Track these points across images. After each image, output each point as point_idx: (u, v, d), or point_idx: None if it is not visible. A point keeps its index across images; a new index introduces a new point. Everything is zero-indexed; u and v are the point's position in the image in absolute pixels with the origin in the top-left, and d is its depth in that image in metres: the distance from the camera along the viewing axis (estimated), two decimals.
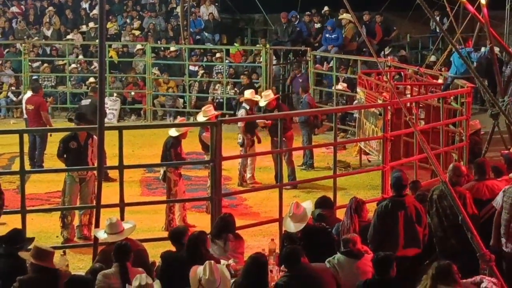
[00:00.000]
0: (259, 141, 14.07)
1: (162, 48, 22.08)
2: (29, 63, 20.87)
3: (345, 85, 18.70)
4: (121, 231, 7.94)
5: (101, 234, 8.08)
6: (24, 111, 15.09)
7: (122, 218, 8.92)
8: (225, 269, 7.00)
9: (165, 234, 10.63)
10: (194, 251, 7.41)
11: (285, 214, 8.47)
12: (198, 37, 23.59)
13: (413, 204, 8.18)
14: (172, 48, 21.63)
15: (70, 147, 11.09)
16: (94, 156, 11.02)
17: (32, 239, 8.03)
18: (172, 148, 11.47)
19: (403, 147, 13.44)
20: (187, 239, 7.62)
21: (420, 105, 13.37)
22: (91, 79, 19.26)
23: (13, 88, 20.87)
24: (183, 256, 7.48)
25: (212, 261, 6.83)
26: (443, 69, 17.60)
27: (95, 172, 9.95)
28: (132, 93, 20.58)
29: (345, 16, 20.62)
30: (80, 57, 21.80)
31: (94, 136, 10.80)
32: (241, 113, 14.48)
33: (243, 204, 12.93)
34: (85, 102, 15.15)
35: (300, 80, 19.22)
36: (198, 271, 6.73)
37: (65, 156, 11.18)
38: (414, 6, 18.93)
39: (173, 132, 11.57)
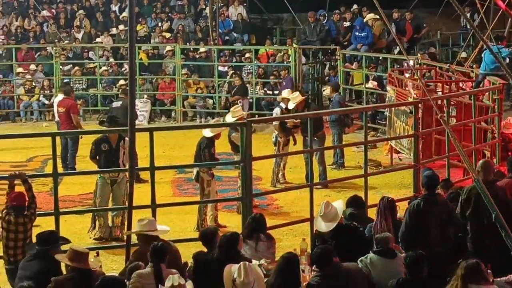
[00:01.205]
0: (295, 143, 14.01)
1: (191, 49, 22.15)
2: (60, 66, 21.07)
3: (375, 83, 18.61)
4: (154, 230, 8.01)
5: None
6: (56, 114, 15.22)
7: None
8: (259, 268, 7.00)
9: (197, 234, 10.65)
10: (226, 252, 7.41)
11: (316, 213, 8.45)
12: (227, 37, 23.62)
13: (445, 203, 8.12)
14: (201, 49, 21.70)
15: (101, 149, 11.20)
16: (126, 158, 11.09)
17: (66, 239, 8.11)
18: (206, 149, 11.49)
19: (434, 145, 13.36)
20: (219, 240, 7.63)
21: (452, 103, 13.26)
22: (122, 82, 19.40)
23: (45, 91, 21.06)
24: (214, 256, 7.49)
25: (247, 262, 6.83)
26: (474, 66, 17.44)
27: (127, 173, 10.03)
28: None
29: (369, 17, 20.54)
30: (111, 59, 21.96)
31: (126, 138, 10.88)
32: (276, 112, 14.49)
33: (274, 204, 12.92)
34: (116, 104, 15.24)
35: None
36: (233, 269, 6.74)
37: (97, 157, 11.29)
38: (444, 3, 18.83)
39: (208, 132, 11.58)
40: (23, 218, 8.31)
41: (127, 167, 10.83)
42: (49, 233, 7.80)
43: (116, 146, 11.21)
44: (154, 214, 9.09)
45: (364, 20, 20.69)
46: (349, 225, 8.09)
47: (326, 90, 17.33)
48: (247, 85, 20.54)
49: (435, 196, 8.13)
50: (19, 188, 8.79)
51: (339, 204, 8.20)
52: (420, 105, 11.39)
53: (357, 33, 20.50)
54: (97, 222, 11.14)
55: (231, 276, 6.69)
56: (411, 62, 16.42)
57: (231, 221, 11.42)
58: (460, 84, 15.57)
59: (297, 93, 14.64)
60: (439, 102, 12.64)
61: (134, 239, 8.53)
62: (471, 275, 6.31)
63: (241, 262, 6.75)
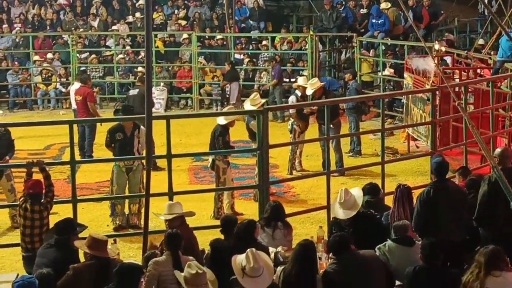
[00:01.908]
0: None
1: (207, 37, 22.13)
2: (77, 54, 21.13)
3: (392, 70, 18.52)
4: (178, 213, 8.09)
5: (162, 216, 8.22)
6: (73, 102, 15.27)
7: None
8: (266, 256, 6.99)
9: (213, 222, 10.71)
10: (243, 240, 7.41)
11: (333, 201, 8.42)
12: (243, 25, 23.58)
13: (457, 190, 8.05)
14: (217, 37, 21.68)
15: (116, 138, 11.23)
16: (140, 146, 11.15)
17: (83, 226, 8.15)
18: (220, 137, 11.50)
19: (452, 132, 13.29)
20: (236, 227, 7.65)
21: (469, 90, 13.18)
22: (140, 68, 19.42)
23: (62, 79, 21.14)
24: (233, 243, 7.50)
25: (254, 249, 6.81)
26: (492, 52, 17.31)
27: (143, 161, 10.06)
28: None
29: (384, 6, 20.43)
30: (128, 47, 21.98)
31: (142, 127, 10.93)
32: (291, 99, 14.48)
33: (291, 191, 12.92)
34: (133, 92, 15.27)
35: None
36: (238, 260, 6.73)
37: (112, 145, 11.33)
38: None
39: (221, 120, 11.60)
40: (39, 206, 8.36)
41: (142, 155, 10.96)
42: (67, 222, 7.83)
43: (131, 135, 11.24)
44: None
45: (380, 7, 20.58)
46: (366, 213, 8.07)
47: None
48: (263, 73, 20.54)
49: (445, 183, 8.05)
50: (37, 176, 8.84)
51: (358, 193, 8.15)
52: (437, 92, 11.33)
53: (373, 20, 20.40)
54: (115, 210, 11.19)
55: (239, 265, 6.68)
56: (436, 46, 16.33)
57: (248, 209, 11.43)
58: (478, 71, 15.47)
59: (316, 79, 14.61)
60: (457, 89, 12.57)
61: (151, 226, 8.57)
62: (494, 262, 6.29)
63: (248, 249, 6.74)
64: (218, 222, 9.99)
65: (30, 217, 8.31)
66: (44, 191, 8.48)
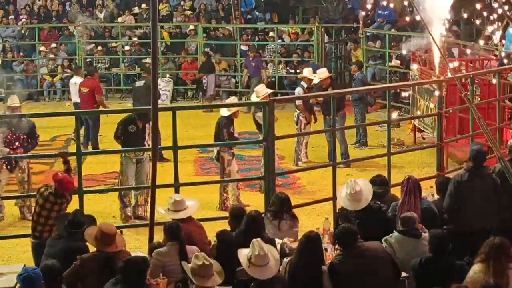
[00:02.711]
0: (315, 120, 14.05)
1: (212, 28, 22.11)
2: (83, 46, 21.13)
3: (398, 62, 18.48)
4: (185, 209, 8.04)
5: (163, 211, 8.17)
6: (74, 95, 15.14)
7: None
8: (272, 247, 7.01)
9: (219, 213, 10.73)
10: (252, 231, 7.41)
11: (338, 192, 8.40)
12: (249, 16, 23.54)
13: (491, 178, 8.07)
14: (227, 28, 21.68)
15: (128, 130, 11.20)
16: (150, 138, 11.15)
17: (93, 220, 8.14)
18: (224, 128, 11.51)
19: (458, 124, 13.26)
20: (244, 219, 7.64)
21: (476, 81, 13.14)
22: (148, 59, 19.42)
23: (67, 70, 21.13)
24: (239, 235, 7.51)
25: (259, 239, 6.83)
26: (498, 44, 17.24)
27: (149, 152, 10.07)
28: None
29: None
30: (134, 38, 21.97)
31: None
32: (298, 91, 14.47)
33: (297, 183, 12.93)
34: (139, 83, 15.27)
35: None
36: (244, 251, 6.75)
37: (121, 138, 11.32)
38: None
39: (225, 111, 11.62)
40: (62, 199, 8.37)
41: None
42: (78, 217, 7.80)
43: (143, 128, 11.25)
44: (177, 193, 9.12)
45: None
46: (373, 204, 8.06)
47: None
48: (270, 63, 20.52)
49: (481, 170, 8.10)
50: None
51: (368, 186, 8.09)
52: (444, 83, 11.29)
53: (380, 11, 20.35)
54: (125, 201, 11.21)
55: (245, 256, 6.70)
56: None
57: (254, 200, 11.44)
58: (485, 62, 15.42)
59: (324, 69, 14.59)
60: (463, 80, 12.53)
61: (157, 218, 8.58)
62: (498, 254, 6.29)
63: (253, 240, 6.76)
64: (224, 214, 10.09)
65: (49, 208, 8.28)
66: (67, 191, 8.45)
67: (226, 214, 10.60)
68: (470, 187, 7.99)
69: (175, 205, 8.11)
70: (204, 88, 19.48)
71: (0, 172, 11.17)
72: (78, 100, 15.04)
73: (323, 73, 13.93)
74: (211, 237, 8.01)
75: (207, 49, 20.78)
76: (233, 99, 13.99)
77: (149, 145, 11.03)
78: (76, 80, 15.28)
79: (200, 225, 8.30)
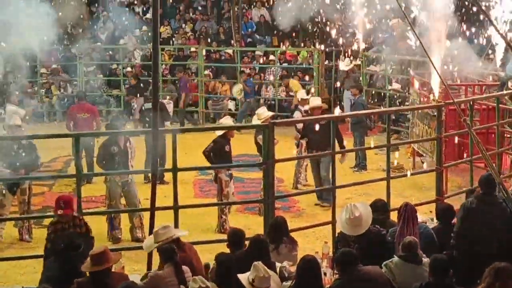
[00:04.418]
0: None
1: (212, 50, 22.19)
2: (84, 68, 21.19)
3: (398, 85, 18.53)
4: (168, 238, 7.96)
5: (149, 243, 8.07)
6: (71, 119, 14.78)
7: (176, 221, 9.03)
8: (273, 272, 7.00)
9: (218, 236, 10.71)
10: (256, 254, 7.39)
11: (338, 216, 8.39)
12: (249, 39, 23.65)
13: (501, 205, 8.05)
14: (227, 51, 21.79)
15: (111, 151, 11.22)
16: (132, 158, 11.21)
17: (88, 240, 8.12)
18: (218, 148, 11.67)
19: (457, 148, 13.28)
20: (252, 242, 7.61)
21: (475, 106, 13.17)
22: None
23: (64, 92, 21.13)
24: (240, 258, 7.48)
25: (260, 262, 6.83)
26: (498, 68, 17.30)
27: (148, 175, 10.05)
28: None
29: (394, 21, 20.44)
30: (136, 60, 22.05)
31: (130, 139, 11.18)
32: (296, 115, 14.49)
33: (296, 206, 12.92)
34: (148, 105, 15.18)
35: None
36: (245, 275, 6.74)
37: (103, 162, 11.29)
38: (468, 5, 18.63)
39: (218, 131, 11.72)
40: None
41: (133, 167, 11.01)
42: (74, 238, 7.79)
43: (124, 148, 11.27)
44: (176, 215, 9.13)
45: (390, 24, 20.59)
46: (373, 229, 8.03)
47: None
48: (270, 86, 20.58)
49: (489, 197, 8.07)
50: None
51: (367, 211, 8.05)
52: (443, 108, 11.33)
53: (380, 35, 20.42)
54: (114, 223, 11.21)
55: (247, 279, 6.68)
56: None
57: (253, 223, 11.43)
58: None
59: (318, 98, 14.34)
60: (462, 105, 12.56)
61: None
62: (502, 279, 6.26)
63: (254, 262, 6.74)
64: (223, 236, 10.07)
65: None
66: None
67: (225, 236, 10.63)
68: (478, 214, 7.95)
69: (158, 236, 7.90)
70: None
71: (4, 196, 11.17)
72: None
73: (315, 101, 13.73)
74: (210, 260, 7.99)
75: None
76: (227, 119, 13.93)
77: (132, 166, 11.16)
78: (14, 109, 14.87)
79: (191, 247, 8.22)
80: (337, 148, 11.53)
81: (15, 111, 14.31)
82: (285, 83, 20.08)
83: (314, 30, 23.91)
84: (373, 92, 19.98)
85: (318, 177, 12.91)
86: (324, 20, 22.16)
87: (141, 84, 19.88)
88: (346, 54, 21.07)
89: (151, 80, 18.19)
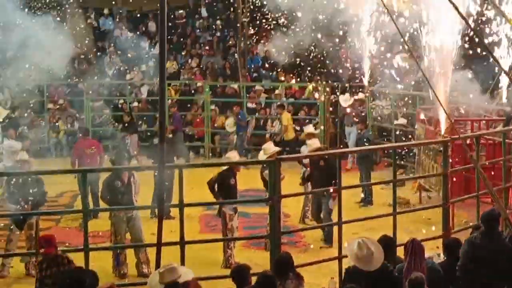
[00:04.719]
0: None
1: (218, 85, 22.32)
2: (91, 102, 21.31)
3: (405, 120, 18.58)
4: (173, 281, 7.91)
5: (154, 282, 8.00)
6: (77, 155, 14.84)
7: (183, 256, 9.02)
8: None
9: (224, 271, 10.67)
10: None
11: (347, 250, 8.21)
12: (255, 74, 23.78)
13: (503, 243, 8.04)
14: (233, 86, 21.92)
15: (115, 186, 11.27)
16: (136, 193, 11.23)
17: (93, 274, 8.10)
18: (225, 180, 11.75)
19: (463, 183, 13.27)
20: (260, 278, 7.59)
21: (481, 141, 13.20)
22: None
23: (69, 126, 21.20)
24: None
25: None
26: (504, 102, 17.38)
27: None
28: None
29: (400, 57, 20.61)
30: (143, 95, 22.18)
31: (134, 174, 11.23)
32: (303, 150, 14.53)
33: (302, 241, 12.90)
34: (157, 141, 15.20)
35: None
36: None
37: (107, 198, 11.34)
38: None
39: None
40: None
41: (137, 202, 11.14)
42: (79, 274, 7.76)
43: (128, 182, 11.31)
44: (182, 251, 9.14)
45: (395, 59, 20.73)
46: (383, 265, 7.91)
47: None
48: (276, 121, 20.66)
49: (492, 233, 8.05)
50: None
51: (378, 248, 7.88)
52: (449, 143, 11.36)
53: (386, 70, 20.55)
54: (120, 259, 11.21)
55: None
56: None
57: (259, 258, 11.40)
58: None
59: (317, 141, 14.17)
60: (468, 140, 12.60)
61: None
62: None
63: None
64: (228, 271, 10.04)
65: None
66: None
67: (221, 270, 10.63)
68: (482, 249, 7.94)
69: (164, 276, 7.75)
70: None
71: (11, 231, 11.21)
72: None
73: (314, 144, 13.58)
74: None
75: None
76: (233, 153, 13.90)
77: (136, 201, 11.22)
78: (11, 143, 14.92)
79: (196, 285, 8.18)
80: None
81: (11, 145, 14.52)
82: (280, 112, 20.16)
83: (318, 65, 24.13)
84: (379, 127, 20.04)
85: (318, 218, 12.86)
86: (328, 55, 22.45)
87: (134, 121, 20.00)
88: (350, 89, 21.22)
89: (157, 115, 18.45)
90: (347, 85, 21.29)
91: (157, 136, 15.83)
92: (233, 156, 12.65)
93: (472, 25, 13.02)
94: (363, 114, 19.39)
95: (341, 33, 20.56)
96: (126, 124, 19.65)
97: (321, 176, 12.48)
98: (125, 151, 18.80)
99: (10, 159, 14.30)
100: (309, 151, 13.51)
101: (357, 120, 18.57)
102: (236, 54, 23.98)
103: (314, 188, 12.78)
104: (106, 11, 25.98)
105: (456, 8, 7.17)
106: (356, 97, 19.80)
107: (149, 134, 20.54)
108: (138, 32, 24.98)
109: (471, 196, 11.84)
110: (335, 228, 10.27)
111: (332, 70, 22.09)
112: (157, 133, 17.01)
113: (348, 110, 19.69)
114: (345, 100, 19.38)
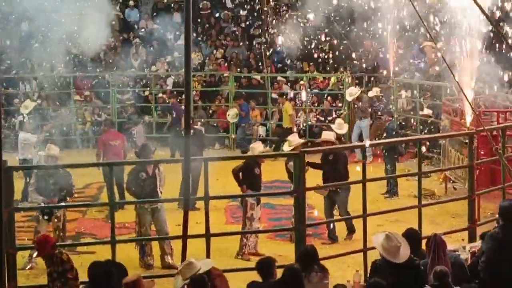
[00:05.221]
0: None
1: (242, 76, 22.33)
2: (117, 94, 21.43)
3: (430, 111, 18.47)
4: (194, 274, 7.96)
5: (178, 282, 8.04)
6: (102, 147, 14.77)
7: (208, 248, 9.10)
8: None
9: (246, 263, 10.72)
10: (292, 284, 7.41)
11: (375, 241, 8.18)
12: (280, 65, 23.75)
13: None
14: (256, 77, 21.93)
15: (140, 178, 11.34)
16: (161, 185, 11.30)
17: (122, 267, 8.17)
18: (250, 169, 11.80)
19: (490, 174, 13.20)
20: (286, 271, 7.63)
21: (507, 132, 13.10)
22: None
23: (98, 118, 21.34)
24: (274, 286, 7.48)
25: None
26: None
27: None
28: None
29: (427, 43, 20.42)
30: (168, 87, 22.27)
31: (160, 166, 11.28)
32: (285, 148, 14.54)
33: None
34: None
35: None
36: None
37: (133, 189, 11.41)
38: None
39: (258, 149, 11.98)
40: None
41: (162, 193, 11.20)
42: (108, 267, 7.83)
43: (153, 174, 11.38)
44: (208, 243, 9.21)
45: (421, 46, 20.61)
46: (412, 260, 7.90)
47: None
48: (300, 112, 20.64)
49: (510, 225, 8.01)
50: None
51: (405, 243, 7.87)
52: (475, 135, 11.31)
53: (411, 60, 20.44)
54: (146, 250, 11.30)
55: None
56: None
57: (284, 250, 11.42)
58: None
59: (331, 133, 13.69)
60: (495, 132, 12.52)
61: None
62: None
63: None
64: (245, 263, 10.14)
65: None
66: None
67: (245, 262, 10.65)
68: (502, 242, 7.92)
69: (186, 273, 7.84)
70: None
71: (39, 222, 11.36)
72: (25, 157, 14.78)
73: (326, 135, 13.35)
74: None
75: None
76: (258, 144, 13.89)
77: (161, 193, 11.28)
78: (26, 136, 14.94)
79: (222, 277, 8.24)
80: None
81: (26, 138, 14.67)
82: (281, 101, 20.17)
83: (343, 56, 24.06)
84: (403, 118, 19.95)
85: (331, 216, 12.76)
86: (352, 46, 22.38)
87: (138, 112, 20.12)
88: (375, 80, 21.14)
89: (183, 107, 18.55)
90: (371, 76, 21.18)
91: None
92: (257, 146, 12.67)
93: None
94: (375, 108, 19.21)
95: (365, 25, 20.46)
96: (131, 116, 19.73)
97: (332, 171, 12.38)
98: (132, 143, 19.02)
99: (27, 152, 14.49)
100: (321, 141, 13.25)
101: (364, 114, 18.56)
102: (260, 45, 23.95)
103: (326, 183, 12.55)
104: (131, 2, 26.03)
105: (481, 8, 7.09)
106: (370, 92, 19.51)
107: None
108: (163, 23, 24.99)
109: (496, 188, 11.78)
110: (359, 220, 10.24)
111: (356, 61, 21.96)
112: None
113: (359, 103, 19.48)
114: (350, 94, 19.19)
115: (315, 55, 22.65)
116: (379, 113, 18.82)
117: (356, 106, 19.29)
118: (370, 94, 19.26)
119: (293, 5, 24.26)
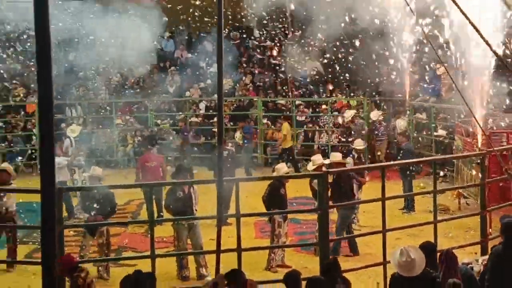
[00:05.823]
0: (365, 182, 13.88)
1: (269, 101, 22.44)
2: (154, 119, 21.63)
3: (444, 132, 18.41)
4: None
5: None
6: (140, 168, 14.81)
7: (240, 262, 9.14)
8: None
9: (271, 275, 10.74)
10: None
11: (391, 258, 8.19)
12: (303, 89, 23.84)
13: None
14: (281, 101, 22.02)
15: (177, 196, 11.42)
16: (196, 203, 11.42)
17: (152, 276, 8.20)
18: (275, 190, 11.82)
19: (500, 190, 13.11)
20: (310, 283, 7.63)
21: None
22: None
23: (137, 140, 21.55)
24: None
25: None
26: None
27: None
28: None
29: (443, 70, 20.35)
30: (201, 111, 22.44)
31: (193, 185, 11.42)
32: (348, 161, 14.55)
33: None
34: (224, 153, 15.27)
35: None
36: None
37: (170, 206, 11.49)
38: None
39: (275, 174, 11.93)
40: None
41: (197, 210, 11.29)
42: (139, 276, 7.87)
43: (188, 192, 11.47)
44: (239, 257, 9.26)
45: (438, 73, 20.55)
46: (424, 270, 7.87)
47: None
48: (323, 133, 20.66)
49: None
50: None
51: (420, 254, 7.79)
52: (486, 155, 11.26)
53: (425, 85, 20.40)
54: (183, 263, 11.38)
55: None
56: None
57: (309, 262, 11.44)
58: None
59: (339, 155, 13.71)
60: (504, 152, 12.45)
61: None
62: None
63: None
64: (272, 275, 10.13)
65: None
66: None
67: (273, 274, 10.66)
68: (505, 258, 7.86)
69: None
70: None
71: (84, 237, 11.49)
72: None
73: (335, 157, 13.31)
74: None
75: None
76: (282, 165, 13.87)
77: (196, 210, 11.39)
78: (59, 160, 14.55)
79: (254, 283, 8.27)
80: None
81: (58, 162, 14.65)
82: (281, 122, 20.26)
83: (362, 80, 24.07)
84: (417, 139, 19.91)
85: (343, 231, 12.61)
86: (370, 71, 22.38)
87: (154, 134, 20.26)
88: (393, 105, 21.13)
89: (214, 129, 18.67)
90: (387, 99, 21.18)
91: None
92: (281, 167, 12.71)
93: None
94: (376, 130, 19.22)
95: (381, 51, 20.47)
96: (144, 140, 19.86)
97: (337, 190, 12.24)
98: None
99: (60, 175, 14.39)
100: (330, 163, 13.11)
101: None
102: (285, 72, 24.07)
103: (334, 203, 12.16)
104: (167, 33, 26.34)
105: (483, 38, 7.08)
106: (372, 115, 19.56)
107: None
108: (196, 53, 25.23)
109: (507, 204, 11.72)
110: (379, 236, 10.21)
111: (373, 85, 21.97)
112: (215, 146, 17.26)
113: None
114: (346, 117, 19.49)
115: (335, 80, 22.70)
116: (380, 135, 18.94)
117: (351, 127, 19.44)
118: (372, 117, 19.30)
119: (315, 35, 24.34)
